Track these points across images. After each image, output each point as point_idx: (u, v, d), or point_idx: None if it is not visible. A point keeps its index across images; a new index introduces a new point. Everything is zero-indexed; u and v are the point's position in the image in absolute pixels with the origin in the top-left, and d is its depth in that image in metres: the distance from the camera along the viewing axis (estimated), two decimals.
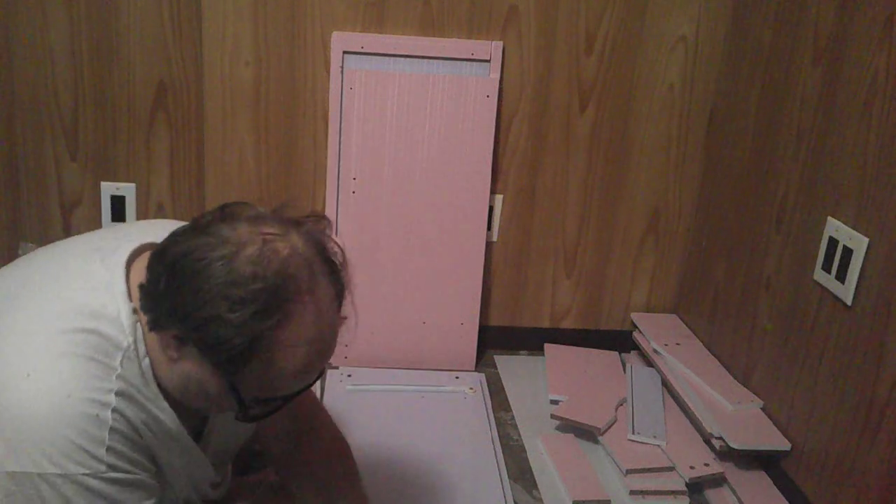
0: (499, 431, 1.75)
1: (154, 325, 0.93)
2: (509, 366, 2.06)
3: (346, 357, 1.97)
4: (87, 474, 0.90)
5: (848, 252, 1.42)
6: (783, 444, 1.58)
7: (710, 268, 1.98)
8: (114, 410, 0.93)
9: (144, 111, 1.88)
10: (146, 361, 0.97)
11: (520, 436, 1.76)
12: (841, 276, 1.43)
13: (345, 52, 1.85)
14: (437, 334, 1.98)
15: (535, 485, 1.60)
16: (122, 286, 0.97)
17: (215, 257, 0.88)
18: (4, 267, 1.09)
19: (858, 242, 1.39)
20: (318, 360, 0.97)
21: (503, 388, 1.95)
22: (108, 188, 1.91)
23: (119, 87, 1.86)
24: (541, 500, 1.56)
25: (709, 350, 1.95)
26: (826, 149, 1.51)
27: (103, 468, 0.91)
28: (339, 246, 1.00)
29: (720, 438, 1.63)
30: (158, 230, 1.01)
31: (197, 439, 1.09)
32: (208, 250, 0.89)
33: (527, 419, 1.82)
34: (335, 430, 1.37)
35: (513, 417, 1.83)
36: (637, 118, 1.99)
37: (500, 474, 1.60)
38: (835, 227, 1.46)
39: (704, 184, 2.03)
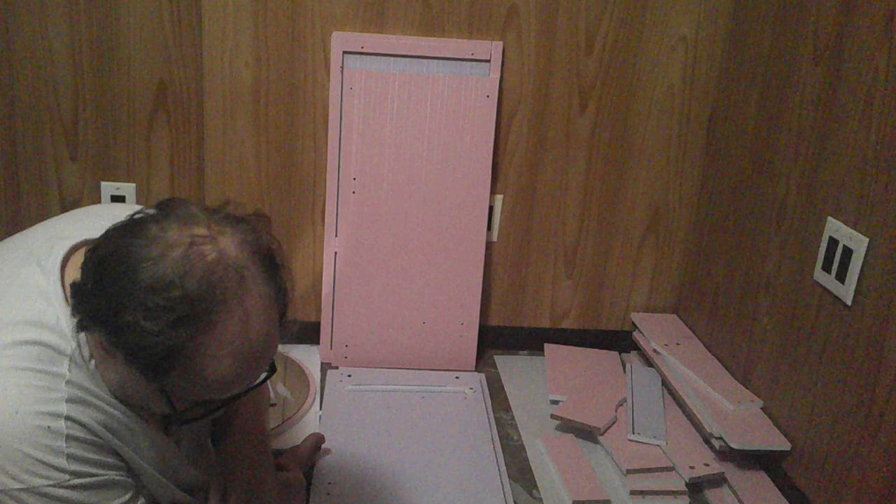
0: (499, 431, 1.75)
1: (81, 327, 0.91)
2: (509, 366, 2.06)
3: (346, 357, 1.97)
4: (51, 485, 0.90)
5: (848, 252, 1.42)
6: (783, 444, 1.58)
7: (710, 268, 1.98)
8: (67, 418, 0.92)
9: (144, 111, 1.88)
10: (93, 363, 0.95)
11: (520, 436, 1.76)
12: (841, 276, 1.43)
13: (345, 52, 1.85)
14: (437, 334, 1.98)
15: (535, 485, 1.60)
16: (58, 290, 0.95)
17: (140, 258, 0.85)
18: None
19: (858, 242, 1.39)
20: (248, 369, 0.92)
21: (503, 388, 1.95)
22: (108, 188, 1.91)
23: (119, 87, 1.86)
24: (541, 500, 1.56)
25: (709, 350, 1.95)
26: (826, 149, 1.51)
27: (66, 477, 0.91)
28: (278, 245, 0.96)
29: (720, 438, 1.63)
30: (95, 221, 0.99)
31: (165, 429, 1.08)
32: (135, 251, 0.85)
33: (527, 419, 1.82)
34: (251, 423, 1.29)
35: (513, 417, 1.83)
36: (637, 118, 1.99)
37: (500, 474, 1.60)
38: (835, 227, 1.46)
39: (704, 184, 2.03)
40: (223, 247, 0.88)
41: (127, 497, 0.98)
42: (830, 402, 1.46)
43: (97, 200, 1.92)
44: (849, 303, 1.41)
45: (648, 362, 1.99)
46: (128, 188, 1.92)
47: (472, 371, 2.01)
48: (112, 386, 0.96)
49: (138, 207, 0.93)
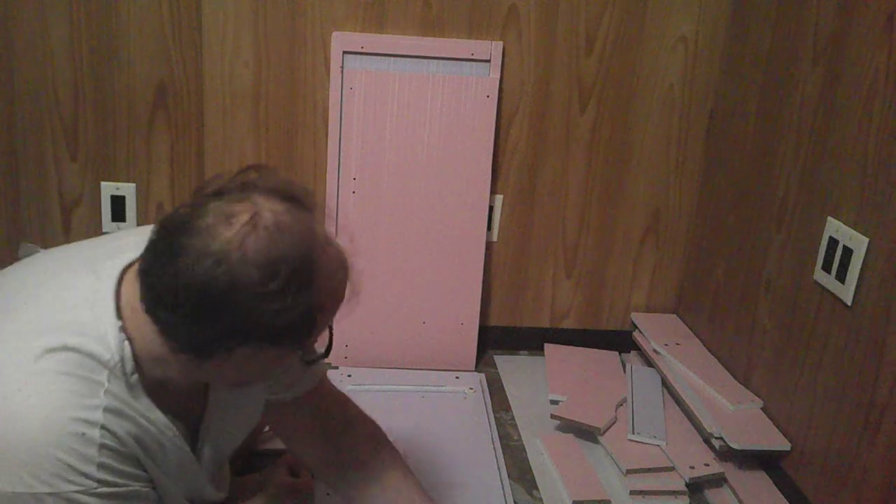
0: (499, 431, 1.75)
1: (200, 355, 0.91)
2: (509, 366, 2.06)
3: (346, 357, 1.97)
4: (78, 491, 0.90)
5: (848, 252, 1.42)
6: (783, 444, 1.58)
7: (710, 268, 1.98)
8: (102, 427, 0.92)
9: (144, 111, 1.88)
10: (134, 377, 0.95)
11: (520, 436, 1.76)
12: (841, 276, 1.43)
13: (345, 52, 1.85)
14: (437, 334, 1.98)
15: (535, 485, 1.60)
16: (109, 302, 0.95)
17: (228, 270, 0.86)
18: (3, 271, 1.08)
19: (858, 242, 1.39)
20: (346, 279, 1.01)
21: (503, 388, 1.95)
22: (108, 188, 1.91)
23: (119, 86, 1.86)
24: (541, 500, 1.56)
25: (709, 350, 1.95)
26: (826, 149, 1.51)
27: (94, 485, 0.91)
28: (286, 179, 0.97)
29: (720, 438, 1.63)
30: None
31: (191, 446, 1.09)
32: (216, 269, 0.86)
33: (527, 419, 1.82)
34: (369, 421, 1.35)
35: (513, 417, 1.83)
36: (637, 118, 1.99)
37: (500, 474, 1.60)
38: (835, 227, 1.46)
39: (704, 184, 2.03)
40: (267, 208, 0.90)
41: None
42: (830, 402, 1.46)
43: (97, 200, 1.92)
44: (849, 303, 1.41)
45: (648, 362, 1.99)
46: (128, 188, 1.92)
47: (472, 371, 2.01)
48: (223, 383, 1.03)
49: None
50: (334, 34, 1.85)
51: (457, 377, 1.96)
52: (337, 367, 1.96)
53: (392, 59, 1.87)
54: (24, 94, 1.84)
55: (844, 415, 1.41)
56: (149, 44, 1.83)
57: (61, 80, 1.84)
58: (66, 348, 0.92)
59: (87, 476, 0.90)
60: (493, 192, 1.98)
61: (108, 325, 0.94)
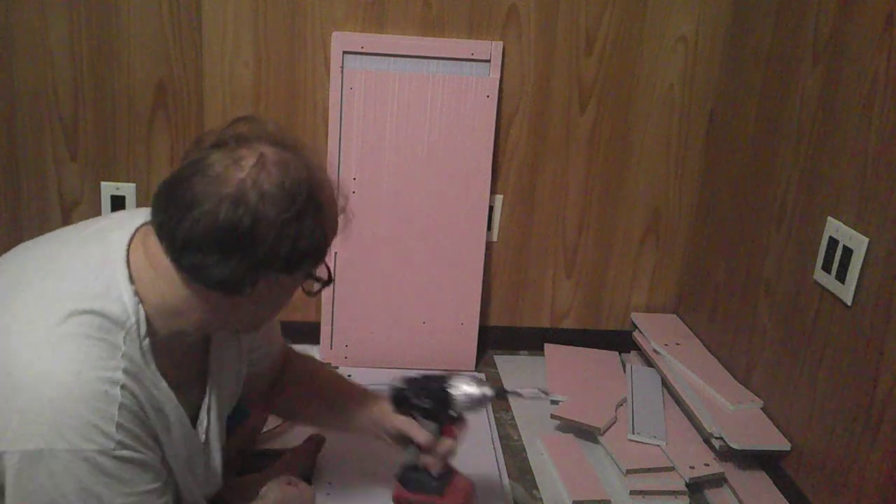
0: (499, 431, 1.75)
1: (231, 292, 0.96)
2: (509, 366, 2.06)
3: (346, 357, 1.97)
4: (97, 451, 0.92)
5: (848, 252, 1.42)
6: (783, 444, 1.58)
7: (710, 268, 1.98)
8: (122, 387, 0.95)
9: (144, 111, 1.88)
10: (146, 342, 0.99)
11: (520, 436, 1.76)
12: (841, 276, 1.43)
13: (345, 52, 1.85)
14: (437, 334, 1.98)
15: (535, 485, 1.60)
16: (123, 268, 0.99)
17: (249, 208, 0.92)
18: (2, 256, 1.10)
19: (858, 242, 1.39)
20: (340, 208, 1.06)
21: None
22: (108, 188, 1.91)
23: (119, 87, 1.86)
24: (541, 500, 1.56)
25: (709, 350, 1.95)
26: (826, 149, 1.51)
27: (112, 445, 0.93)
28: (276, 125, 1.03)
29: (720, 438, 1.63)
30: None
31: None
32: (238, 210, 0.92)
33: (527, 419, 1.82)
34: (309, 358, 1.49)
35: (513, 417, 1.83)
36: (637, 118, 1.99)
37: (500, 474, 1.60)
38: (835, 227, 1.46)
39: (704, 184, 2.03)
40: (269, 149, 0.96)
41: (157, 485, 1.00)
42: (830, 402, 1.46)
43: (97, 200, 1.92)
44: (849, 303, 1.41)
45: (648, 362, 1.99)
46: (128, 188, 1.92)
47: (472, 371, 2.01)
48: (240, 326, 1.08)
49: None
50: (334, 34, 1.85)
51: None
52: (337, 367, 1.96)
53: (392, 59, 1.87)
54: (24, 94, 1.84)
55: (844, 415, 1.41)
56: (149, 44, 1.83)
57: (61, 80, 1.84)
58: (87, 311, 0.95)
59: (107, 436, 0.93)
60: (493, 192, 1.98)
61: (123, 289, 0.98)
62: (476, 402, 1.24)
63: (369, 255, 1.93)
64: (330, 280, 1.08)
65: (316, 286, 1.07)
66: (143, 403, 0.98)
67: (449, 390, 1.24)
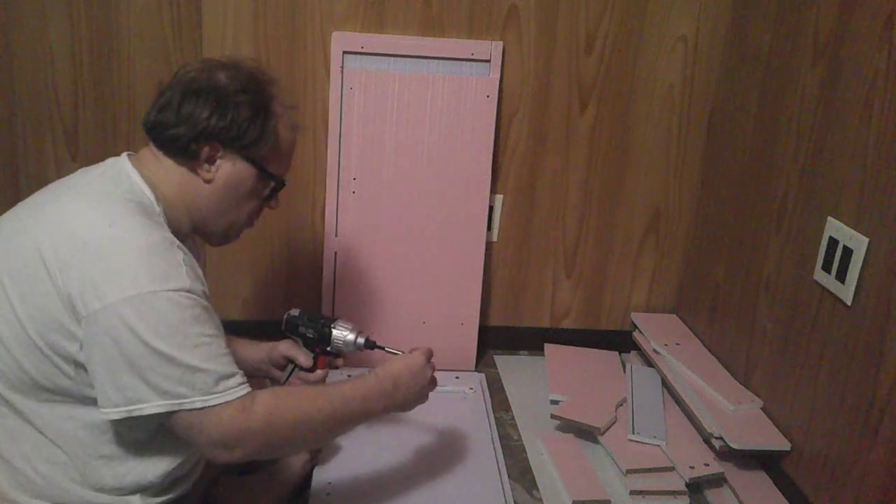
0: (499, 431, 1.75)
1: (186, 153, 1.17)
2: (509, 366, 2.06)
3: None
4: (175, 290, 1.06)
5: (848, 252, 1.42)
6: (783, 444, 1.58)
7: (710, 268, 1.98)
8: (178, 247, 1.12)
9: (144, 111, 1.87)
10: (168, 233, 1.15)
11: (520, 436, 1.76)
12: (841, 276, 1.43)
13: (345, 52, 1.85)
14: (437, 334, 1.98)
15: (535, 485, 1.60)
16: (136, 174, 1.16)
17: (215, 76, 1.18)
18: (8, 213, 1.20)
19: (858, 242, 1.39)
20: (295, 137, 1.28)
21: (503, 388, 1.95)
22: None
23: (119, 87, 1.86)
24: (541, 500, 1.56)
25: (709, 350, 1.95)
26: (826, 149, 1.51)
27: (187, 284, 1.07)
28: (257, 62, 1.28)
29: (720, 438, 1.63)
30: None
31: None
32: (199, 74, 1.19)
33: (527, 419, 1.82)
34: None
35: (513, 417, 1.83)
36: (637, 118, 1.99)
37: (500, 474, 1.60)
38: (835, 227, 1.46)
39: (704, 184, 2.03)
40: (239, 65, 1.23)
41: (215, 331, 1.10)
42: (830, 402, 1.46)
43: None
44: (849, 303, 1.41)
45: (648, 362, 1.99)
46: None
47: (472, 371, 2.01)
48: (208, 216, 1.22)
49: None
50: (334, 34, 1.85)
51: (457, 377, 1.96)
52: (337, 368, 1.96)
53: (392, 59, 1.87)
54: (24, 93, 1.84)
55: (844, 415, 1.41)
56: (149, 44, 1.83)
57: (61, 80, 1.84)
58: (129, 200, 1.12)
59: (181, 278, 1.07)
60: (493, 192, 1.99)
61: (144, 188, 1.16)
62: (350, 346, 1.45)
63: (369, 255, 1.93)
64: (277, 181, 1.25)
65: (271, 186, 1.24)
66: (191, 264, 1.13)
67: (332, 329, 1.44)
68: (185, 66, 1.23)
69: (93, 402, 1.08)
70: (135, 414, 1.05)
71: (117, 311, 1.02)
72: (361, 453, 1.62)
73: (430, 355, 1.38)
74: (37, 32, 1.80)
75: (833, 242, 1.46)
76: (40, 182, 1.88)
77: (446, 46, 1.87)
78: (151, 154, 1.20)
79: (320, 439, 1.35)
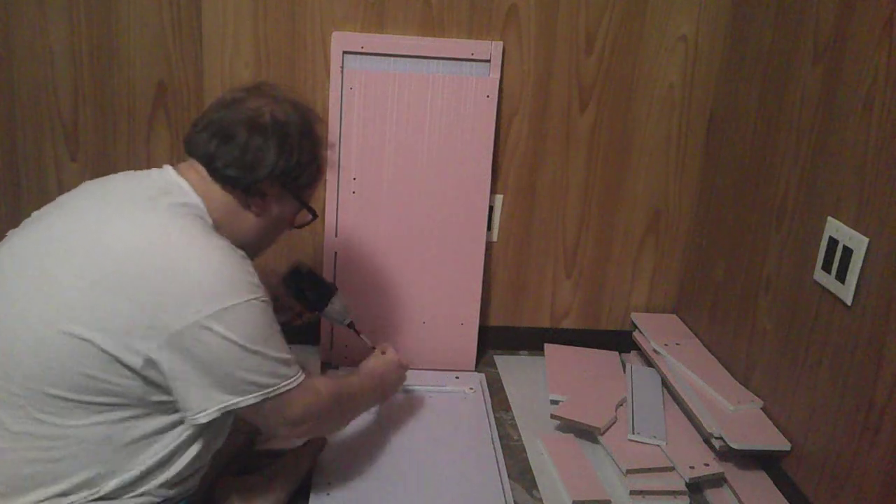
0: (499, 431, 1.75)
1: (248, 191, 1.23)
2: (509, 366, 2.06)
3: (346, 357, 1.97)
4: (254, 299, 1.15)
5: (848, 252, 1.42)
6: (783, 444, 1.58)
7: (710, 268, 1.98)
8: (243, 257, 1.19)
9: (144, 111, 1.88)
10: None
11: (520, 436, 1.76)
12: (841, 276, 1.43)
13: (345, 52, 1.85)
14: (437, 334, 1.98)
15: (535, 485, 1.60)
16: (188, 186, 1.21)
17: (281, 120, 1.24)
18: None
19: (858, 242, 1.39)
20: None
21: (503, 388, 1.95)
22: None
23: (119, 86, 1.86)
24: (541, 500, 1.56)
25: (709, 350, 1.95)
26: (826, 149, 1.51)
27: (261, 293, 1.18)
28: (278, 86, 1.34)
29: (720, 438, 1.63)
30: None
31: None
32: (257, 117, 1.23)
33: (527, 419, 1.82)
34: None
35: (513, 417, 1.83)
36: (637, 118, 1.99)
37: (500, 474, 1.60)
38: (835, 227, 1.46)
39: (704, 184, 2.03)
40: (275, 93, 1.30)
41: (277, 323, 1.21)
42: (830, 402, 1.46)
43: None
44: (849, 303, 1.41)
45: (648, 362, 1.99)
46: None
47: (472, 371, 2.01)
48: (248, 240, 1.28)
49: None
50: (334, 34, 1.85)
51: (457, 377, 1.96)
52: (337, 367, 1.96)
53: (392, 59, 1.87)
54: (24, 94, 1.84)
55: (844, 415, 1.41)
56: (149, 44, 1.83)
57: (61, 80, 1.84)
58: (197, 217, 1.19)
59: (256, 286, 1.17)
60: (493, 192, 1.99)
61: (195, 199, 1.20)
62: (338, 321, 1.66)
63: (369, 255, 1.93)
64: (315, 216, 1.37)
65: (308, 217, 1.36)
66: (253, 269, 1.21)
67: (331, 302, 1.62)
68: (233, 93, 1.27)
69: (153, 407, 1.15)
70: (230, 409, 1.15)
71: (208, 325, 1.10)
72: (361, 453, 1.62)
73: (399, 356, 1.65)
74: (37, 32, 1.80)
75: (833, 242, 1.46)
76: (40, 182, 1.90)
77: (446, 46, 1.87)
78: (196, 174, 1.23)
79: (347, 422, 1.50)
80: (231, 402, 1.15)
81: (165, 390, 1.13)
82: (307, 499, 1.48)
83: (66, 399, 1.09)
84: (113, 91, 1.86)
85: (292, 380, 1.21)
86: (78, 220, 1.19)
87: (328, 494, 1.49)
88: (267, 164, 1.22)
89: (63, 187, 1.91)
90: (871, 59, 1.39)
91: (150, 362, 1.10)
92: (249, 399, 1.16)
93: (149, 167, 1.87)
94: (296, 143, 1.24)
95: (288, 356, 1.21)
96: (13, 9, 1.78)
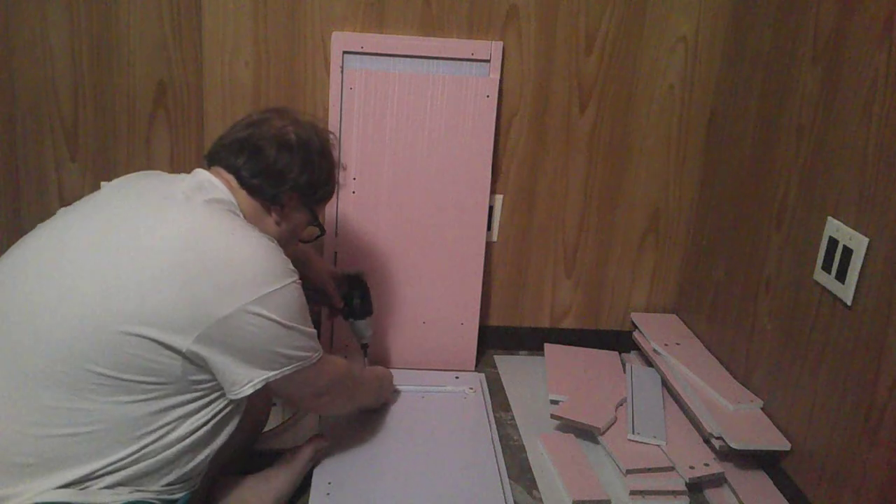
0: (499, 431, 1.75)
1: (271, 199, 1.34)
2: (509, 366, 2.06)
3: (346, 357, 1.96)
4: (291, 283, 1.25)
5: (848, 252, 1.42)
6: (783, 444, 1.58)
7: (710, 268, 1.98)
8: (271, 240, 1.29)
9: (144, 111, 1.88)
10: None
11: (520, 436, 1.76)
12: (841, 276, 1.43)
13: (345, 52, 1.85)
14: (437, 334, 1.98)
15: (535, 485, 1.60)
16: (222, 185, 1.30)
17: (302, 141, 1.38)
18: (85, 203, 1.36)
19: (858, 242, 1.39)
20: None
21: (503, 388, 1.95)
22: None
23: (119, 87, 1.86)
24: (541, 500, 1.56)
25: (709, 350, 1.95)
26: (826, 149, 1.51)
27: (296, 276, 1.27)
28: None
29: (720, 438, 1.63)
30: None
31: None
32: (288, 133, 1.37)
33: (527, 419, 1.82)
34: None
35: (513, 417, 1.83)
36: (637, 118, 1.99)
37: (500, 474, 1.60)
38: (835, 227, 1.46)
39: (704, 184, 2.03)
40: (295, 117, 1.43)
41: (306, 303, 1.30)
42: (830, 402, 1.46)
43: None
44: (849, 303, 1.41)
45: (648, 362, 1.99)
46: None
47: (472, 371, 2.01)
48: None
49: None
50: (334, 34, 1.85)
51: (457, 377, 1.96)
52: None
53: (392, 59, 1.87)
54: (24, 94, 1.84)
55: (844, 415, 1.41)
56: (149, 44, 1.83)
57: (61, 80, 1.84)
58: (234, 212, 1.29)
59: (292, 271, 1.26)
60: (493, 192, 1.99)
61: (228, 196, 1.30)
62: (359, 337, 1.80)
63: (369, 255, 1.93)
64: (323, 232, 1.51)
65: (316, 232, 1.49)
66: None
67: (366, 318, 1.76)
68: (258, 114, 1.41)
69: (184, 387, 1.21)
70: (271, 380, 1.24)
71: (253, 310, 1.19)
72: (361, 453, 1.62)
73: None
74: (37, 32, 1.80)
75: (833, 242, 1.46)
76: (40, 182, 1.90)
77: (446, 46, 1.87)
78: (225, 179, 1.32)
79: (353, 405, 1.62)
80: (271, 374, 1.24)
81: (205, 370, 1.19)
82: (307, 499, 1.48)
83: (106, 376, 1.14)
84: (113, 91, 1.86)
85: (319, 352, 1.33)
86: (116, 216, 1.25)
87: (328, 494, 1.49)
88: (291, 177, 1.34)
89: (63, 187, 1.91)
90: (871, 59, 1.39)
91: (196, 344, 1.16)
92: (286, 370, 1.26)
93: (149, 167, 1.91)
94: (316, 161, 1.37)
95: (314, 331, 1.32)
96: (13, 9, 1.78)
